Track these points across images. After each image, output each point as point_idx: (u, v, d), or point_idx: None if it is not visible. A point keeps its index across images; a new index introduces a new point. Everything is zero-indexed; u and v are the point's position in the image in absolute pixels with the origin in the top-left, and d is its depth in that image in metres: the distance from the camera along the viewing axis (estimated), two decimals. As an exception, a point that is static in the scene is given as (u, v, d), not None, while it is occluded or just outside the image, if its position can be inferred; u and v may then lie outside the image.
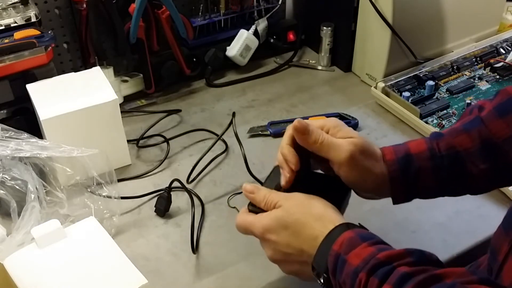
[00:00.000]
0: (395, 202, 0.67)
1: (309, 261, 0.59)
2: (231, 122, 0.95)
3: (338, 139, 0.63)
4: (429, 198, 0.67)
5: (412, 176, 0.64)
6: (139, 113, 1.04)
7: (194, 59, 1.11)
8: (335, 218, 0.59)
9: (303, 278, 0.63)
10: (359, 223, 0.60)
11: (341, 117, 1.00)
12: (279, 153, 0.66)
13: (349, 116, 1.00)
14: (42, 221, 0.71)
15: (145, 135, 0.97)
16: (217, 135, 0.97)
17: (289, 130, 0.65)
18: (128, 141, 0.93)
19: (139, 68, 1.07)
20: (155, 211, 0.83)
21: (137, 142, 0.96)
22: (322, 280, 0.57)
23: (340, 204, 0.64)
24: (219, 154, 0.94)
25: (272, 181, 0.68)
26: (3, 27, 0.88)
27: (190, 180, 0.88)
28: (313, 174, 0.69)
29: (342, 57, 1.16)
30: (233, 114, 0.99)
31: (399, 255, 0.52)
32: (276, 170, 0.68)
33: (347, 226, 0.58)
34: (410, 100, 1.00)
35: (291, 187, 0.65)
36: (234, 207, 0.84)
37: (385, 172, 0.64)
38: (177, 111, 1.04)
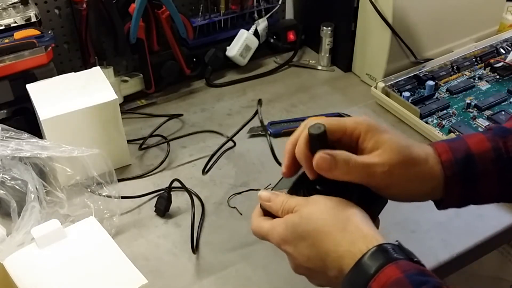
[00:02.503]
0: (443, 207, 0.57)
1: (333, 279, 0.50)
2: (256, 112, 0.84)
3: (369, 159, 0.52)
4: (484, 204, 0.59)
5: (472, 181, 0.54)
6: (140, 115, 1.04)
7: (194, 59, 1.12)
8: (367, 232, 0.49)
9: None
10: (397, 242, 0.50)
11: (340, 117, 1.00)
12: (288, 145, 0.57)
13: (349, 116, 1.00)
14: (42, 221, 0.71)
15: (145, 135, 0.97)
16: (221, 134, 0.97)
17: (304, 130, 0.55)
18: (128, 141, 0.93)
19: (139, 68, 1.07)
20: (155, 211, 0.83)
21: (140, 146, 0.95)
22: None
23: (369, 212, 0.53)
24: (227, 149, 0.93)
25: (285, 181, 0.58)
26: (3, 27, 0.88)
27: (206, 171, 0.86)
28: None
29: (342, 57, 1.16)
30: (259, 101, 0.85)
31: None
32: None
33: (385, 252, 0.47)
34: (410, 100, 1.00)
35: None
36: (234, 207, 0.84)
37: (439, 173, 0.54)
38: (179, 115, 1.03)
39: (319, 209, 0.52)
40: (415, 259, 0.49)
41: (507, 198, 0.58)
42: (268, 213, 0.57)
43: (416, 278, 0.45)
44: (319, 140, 0.52)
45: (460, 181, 0.54)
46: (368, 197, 0.54)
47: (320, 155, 0.52)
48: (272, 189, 0.60)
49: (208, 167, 0.85)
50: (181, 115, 1.03)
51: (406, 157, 0.53)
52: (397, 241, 0.50)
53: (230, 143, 0.94)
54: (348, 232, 0.49)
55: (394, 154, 0.52)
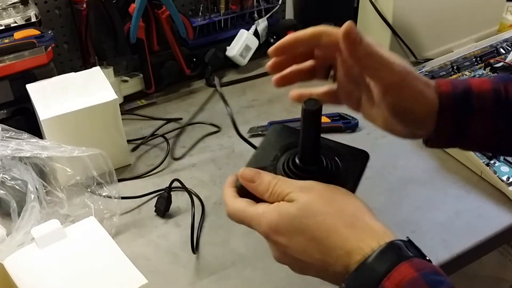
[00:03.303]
0: (431, 144, 0.57)
1: (333, 274, 0.47)
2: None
3: (389, 55, 0.52)
4: (472, 149, 0.58)
5: (466, 117, 0.54)
6: (139, 117, 1.04)
7: (194, 59, 1.12)
8: (377, 228, 0.47)
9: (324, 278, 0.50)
10: (407, 238, 0.48)
11: (341, 117, 1.00)
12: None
13: (349, 116, 1.00)
14: (42, 221, 0.71)
15: (145, 135, 0.98)
16: (218, 127, 0.98)
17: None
18: (128, 141, 0.93)
19: (139, 68, 1.07)
20: (155, 211, 0.83)
21: (140, 146, 0.95)
22: None
23: (359, 177, 0.53)
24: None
25: (257, 158, 0.53)
26: (3, 27, 0.88)
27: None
28: (323, 144, 0.54)
29: (342, 57, 1.15)
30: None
31: None
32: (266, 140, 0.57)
33: (397, 249, 0.45)
34: (410, 100, 1.00)
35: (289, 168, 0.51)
36: (234, 207, 0.84)
37: (435, 101, 0.53)
38: (178, 119, 1.03)
39: (317, 200, 0.48)
40: (427, 258, 0.47)
41: (493, 147, 0.58)
42: (244, 194, 0.51)
43: (432, 278, 0.44)
44: (315, 116, 0.50)
45: (453, 114, 0.54)
46: (354, 160, 0.53)
47: (347, 24, 0.50)
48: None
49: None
50: (180, 119, 1.03)
51: (412, 71, 0.53)
52: (407, 237, 0.48)
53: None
54: (357, 228, 0.47)
55: (402, 64, 0.52)
